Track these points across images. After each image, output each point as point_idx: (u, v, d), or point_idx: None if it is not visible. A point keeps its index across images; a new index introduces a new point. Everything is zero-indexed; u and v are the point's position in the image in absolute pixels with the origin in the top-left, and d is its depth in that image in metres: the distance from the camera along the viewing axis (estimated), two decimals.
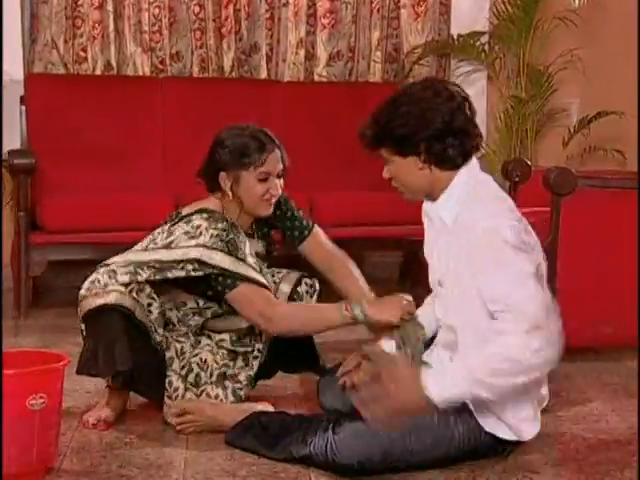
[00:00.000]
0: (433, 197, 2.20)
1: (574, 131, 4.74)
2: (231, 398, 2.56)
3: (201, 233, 2.42)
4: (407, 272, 4.80)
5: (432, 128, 2.09)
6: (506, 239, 2.04)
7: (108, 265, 2.49)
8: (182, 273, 2.43)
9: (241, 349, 2.64)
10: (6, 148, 4.11)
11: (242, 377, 2.61)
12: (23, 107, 4.34)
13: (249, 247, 2.50)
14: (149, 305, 2.49)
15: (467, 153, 2.15)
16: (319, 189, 4.29)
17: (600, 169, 4.40)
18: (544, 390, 2.26)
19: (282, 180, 2.61)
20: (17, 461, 2.11)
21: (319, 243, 2.72)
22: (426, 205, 2.26)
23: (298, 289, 2.69)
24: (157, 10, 4.62)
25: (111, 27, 4.57)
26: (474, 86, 4.88)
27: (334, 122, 4.59)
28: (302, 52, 4.81)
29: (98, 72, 4.58)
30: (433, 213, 2.21)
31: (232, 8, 4.68)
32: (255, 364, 2.64)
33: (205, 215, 2.48)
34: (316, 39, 4.83)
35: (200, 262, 2.40)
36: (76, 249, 3.92)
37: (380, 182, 4.70)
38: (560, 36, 4.69)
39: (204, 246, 2.40)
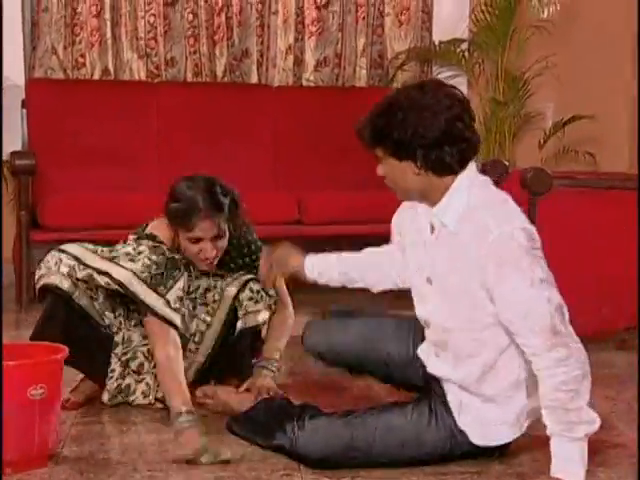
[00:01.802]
0: (429, 200, 2.08)
1: (549, 134, 4.75)
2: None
3: (138, 259, 2.42)
4: None
5: (429, 137, 1.97)
6: (520, 244, 1.96)
7: (61, 251, 2.49)
8: (107, 286, 2.43)
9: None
10: (8, 150, 4.09)
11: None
12: (24, 110, 4.32)
13: (182, 283, 2.46)
14: (95, 290, 2.51)
15: (465, 160, 2.03)
16: (307, 189, 4.29)
17: (573, 170, 4.42)
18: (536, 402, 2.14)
19: (223, 240, 2.51)
20: (19, 448, 2.10)
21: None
22: (410, 212, 2.19)
23: (240, 295, 2.60)
24: (152, 18, 4.61)
25: (108, 34, 4.55)
26: None
27: (322, 125, 4.60)
28: (291, 58, 4.81)
29: (96, 77, 4.56)
30: (433, 219, 2.09)
31: (224, 16, 4.67)
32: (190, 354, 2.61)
33: (151, 243, 2.47)
34: (304, 46, 4.82)
35: (122, 285, 2.40)
36: None
37: (365, 182, 4.72)
38: (536, 43, 4.69)
39: (133, 272, 2.40)
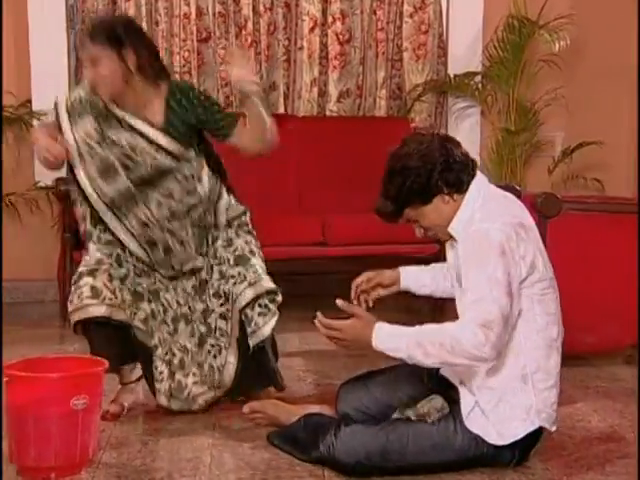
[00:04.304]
0: None
1: (558, 160, 4.73)
2: (206, 381, 2.58)
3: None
4: None
5: (437, 165, 2.07)
6: (492, 242, 2.00)
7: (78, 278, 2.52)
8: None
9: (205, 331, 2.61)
10: (54, 176, 4.14)
11: (206, 366, 2.60)
12: None
13: (87, 122, 2.49)
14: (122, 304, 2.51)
15: (472, 172, 2.13)
16: (331, 212, 4.29)
17: (581, 194, 4.39)
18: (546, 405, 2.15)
19: (103, 67, 2.39)
20: (62, 455, 2.11)
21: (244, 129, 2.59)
22: None
23: (250, 312, 2.55)
24: (187, 53, 4.65)
25: None
26: (469, 120, 4.89)
27: (344, 152, 4.60)
28: (315, 90, 4.83)
29: None
30: (451, 232, 2.15)
31: (253, 51, 4.70)
32: (218, 354, 2.60)
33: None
34: (328, 78, 4.84)
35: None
36: None
37: None
38: (545, 76, 4.69)
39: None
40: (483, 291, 1.98)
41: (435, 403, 2.17)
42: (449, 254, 2.27)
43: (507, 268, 2.00)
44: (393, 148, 2.15)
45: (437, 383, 2.27)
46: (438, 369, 2.28)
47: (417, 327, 2.03)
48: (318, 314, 2.07)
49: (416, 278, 2.41)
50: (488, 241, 2.01)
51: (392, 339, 2.01)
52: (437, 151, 2.09)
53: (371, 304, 2.35)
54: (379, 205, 2.15)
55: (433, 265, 2.44)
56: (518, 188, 3.97)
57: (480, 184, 2.14)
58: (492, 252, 2.00)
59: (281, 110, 4.78)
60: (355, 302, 2.30)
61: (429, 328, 2.03)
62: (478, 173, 2.15)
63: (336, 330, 2.04)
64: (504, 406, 2.11)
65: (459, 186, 2.10)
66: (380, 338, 2.01)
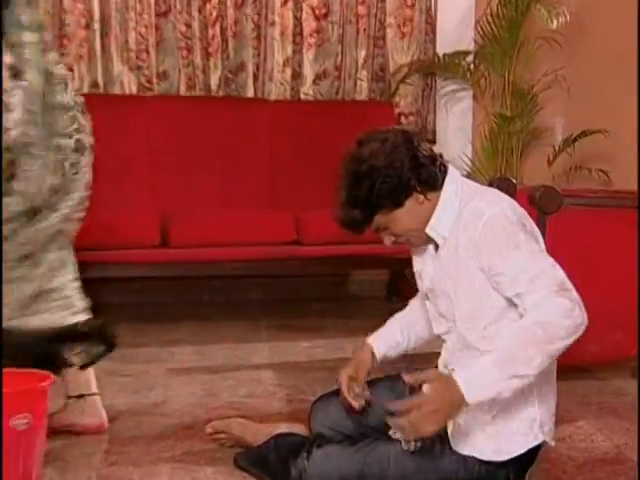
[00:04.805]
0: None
1: (559, 150, 4.75)
2: None
3: None
4: (394, 289, 4.80)
5: (406, 162, 2.06)
6: (511, 220, 2.02)
7: None
8: None
9: None
10: None
11: None
12: None
13: None
14: None
15: (442, 167, 2.13)
16: (306, 207, 4.29)
17: (585, 187, 4.41)
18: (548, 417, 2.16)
19: None
20: None
21: None
22: None
23: None
24: (144, 29, 4.63)
25: (97, 46, 4.57)
26: (460, 104, 4.91)
27: (320, 141, 4.60)
28: (288, 71, 4.83)
29: (85, 91, 4.57)
30: (431, 234, 2.13)
31: (219, 27, 4.69)
32: None
33: None
34: (302, 58, 4.84)
35: None
36: None
37: None
38: (544, 56, 4.71)
39: None
40: (535, 266, 1.98)
41: None
42: (417, 262, 2.23)
43: (533, 239, 2.04)
44: (349, 150, 2.12)
45: None
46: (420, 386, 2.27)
47: (491, 352, 1.95)
48: (390, 420, 1.97)
49: (386, 341, 2.36)
50: (508, 221, 2.03)
51: (482, 380, 1.92)
52: (403, 147, 2.08)
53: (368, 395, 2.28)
54: (344, 215, 2.10)
55: (394, 319, 2.40)
56: (514, 181, 3.98)
57: (454, 180, 2.14)
58: (518, 231, 2.02)
59: (250, 94, 4.78)
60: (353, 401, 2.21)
61: (505, 341, 1.96)
62: (450, 168, 2.16)
63: (420, 406, 1.93)
64: (505, 417, 2.10)
65: (433, 183, 2.09)
66: (471, 389, 1.91)
